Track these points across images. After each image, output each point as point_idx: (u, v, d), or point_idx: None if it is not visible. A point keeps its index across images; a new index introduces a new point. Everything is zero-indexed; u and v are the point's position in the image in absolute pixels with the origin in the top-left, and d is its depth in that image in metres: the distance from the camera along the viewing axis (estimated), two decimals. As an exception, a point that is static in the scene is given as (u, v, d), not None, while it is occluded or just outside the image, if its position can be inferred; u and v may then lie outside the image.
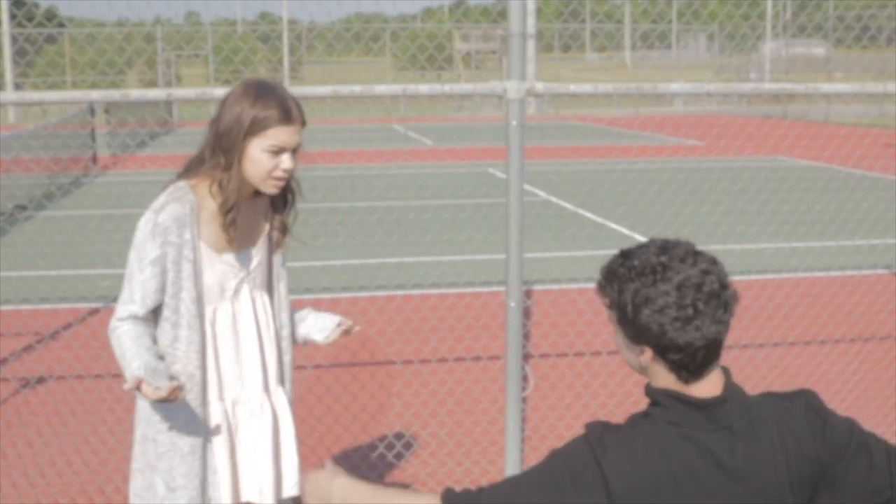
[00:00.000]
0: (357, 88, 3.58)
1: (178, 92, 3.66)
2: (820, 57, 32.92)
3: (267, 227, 2.57)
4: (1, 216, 11.08)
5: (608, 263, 1.85)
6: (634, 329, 1.78)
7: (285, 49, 31.87)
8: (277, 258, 2.63)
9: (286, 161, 2.37)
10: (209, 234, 2.42)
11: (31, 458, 4.37)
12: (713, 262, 1.81)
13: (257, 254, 2.54)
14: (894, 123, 21.74)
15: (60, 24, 32.59)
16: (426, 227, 9.18)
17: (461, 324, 6.18)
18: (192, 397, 2.43)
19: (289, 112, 2.34)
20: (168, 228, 2.36)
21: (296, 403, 4.95)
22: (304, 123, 2.39)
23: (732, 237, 9.42)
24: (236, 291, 2.48)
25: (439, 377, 5.28)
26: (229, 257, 2.46)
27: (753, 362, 5.59)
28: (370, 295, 7.33)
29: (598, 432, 1.79)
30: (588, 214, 11.21)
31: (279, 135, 2.33)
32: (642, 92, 3.86)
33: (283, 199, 2.55)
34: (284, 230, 2.57)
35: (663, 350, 1.77)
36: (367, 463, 4.34)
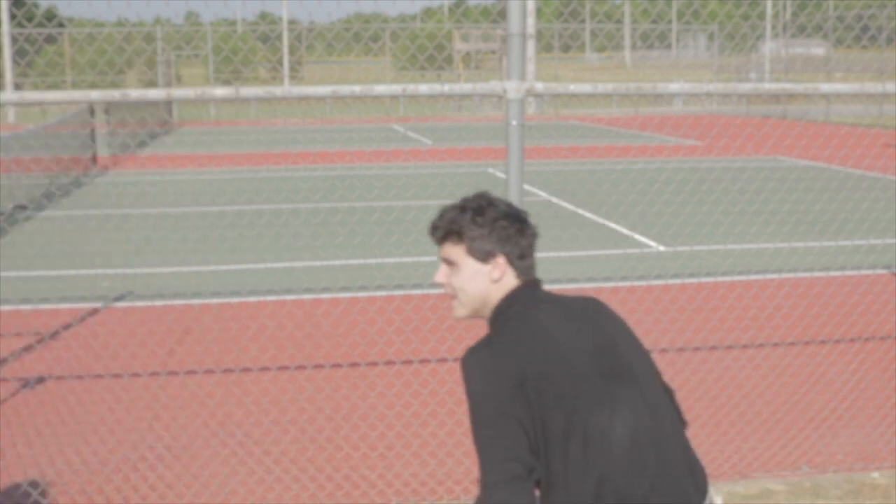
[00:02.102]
0: (357, 88, 3.58)
1: (178, 92, 3.66)
2: (819, 57, 32.93)
3: None
4: (1, 216, 11.08)
5: (443, 217, 2.33)
6: (492, 240, 2.25)
7: (285, 49, 31.86)
8: None
9: None
10: None
11: (31, 458, 4.38)
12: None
13: None
14: (894, 123, 21.74)
15: (60, 24, 32.58)
16: (426, 227, 9.14)
17: (461, 323, 6.17)
18: None
19: None
20: None
21: (302, 403, 4.97)
22: None
23: (732, 237, 9.42)
24: None
25: (439, 377, 5.28)
26: None
27: (753, 362, 5.59)
28: (370, 295, 7.33)
29: (472, 356, 2.20)
30: (587, 214, 11.21)
31: None
32: (642, 92, 3.86)
33: None
34: None
35: (513, 251, 2.26)
36: (367, 463, 4.34)
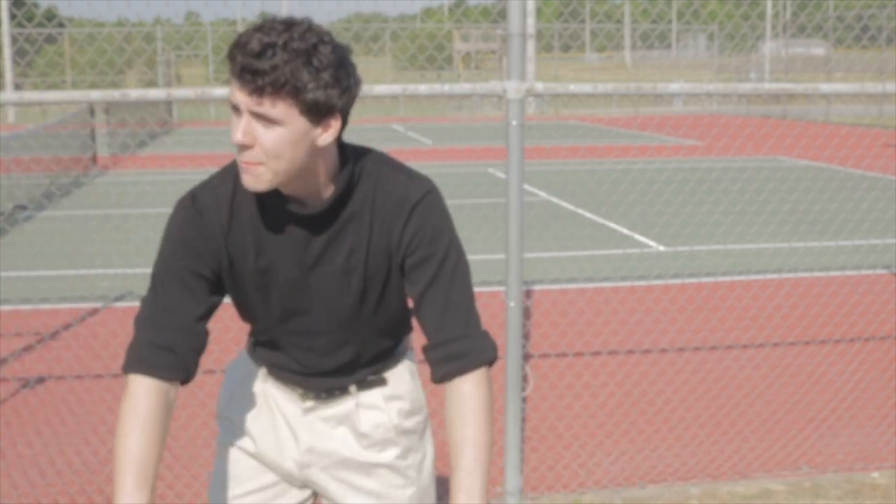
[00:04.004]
0: (357, 88, 3.57)
1: (178, 92, 3.66)
2: (819, 57, 32.92)
3: None
4: (1, 216, 11.08)
5: (266, 59, 1.60)
6: (333, 94, 1.67)
7: (285, 49, 31.80)
8: None
9: None
10: None
11: (31, 458, 4.37)
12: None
13: None
14: (894, 123, 21.74)
15: (60, 24, 32.59)
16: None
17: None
18: None
19: None
20: None
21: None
22: None
23: (732, 237, 9.42)
24: None
25: (439, 377, 5.28)
26: None
27: (753, 362, 5.59)
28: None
29: (441, 204, 2.04)
30: (587, 214, 11.21)
31: None
32: (642, 92, 3.86)
33: None
34: None
35: (346, 107, 1.73)
36: (366, 463, 4.34)
